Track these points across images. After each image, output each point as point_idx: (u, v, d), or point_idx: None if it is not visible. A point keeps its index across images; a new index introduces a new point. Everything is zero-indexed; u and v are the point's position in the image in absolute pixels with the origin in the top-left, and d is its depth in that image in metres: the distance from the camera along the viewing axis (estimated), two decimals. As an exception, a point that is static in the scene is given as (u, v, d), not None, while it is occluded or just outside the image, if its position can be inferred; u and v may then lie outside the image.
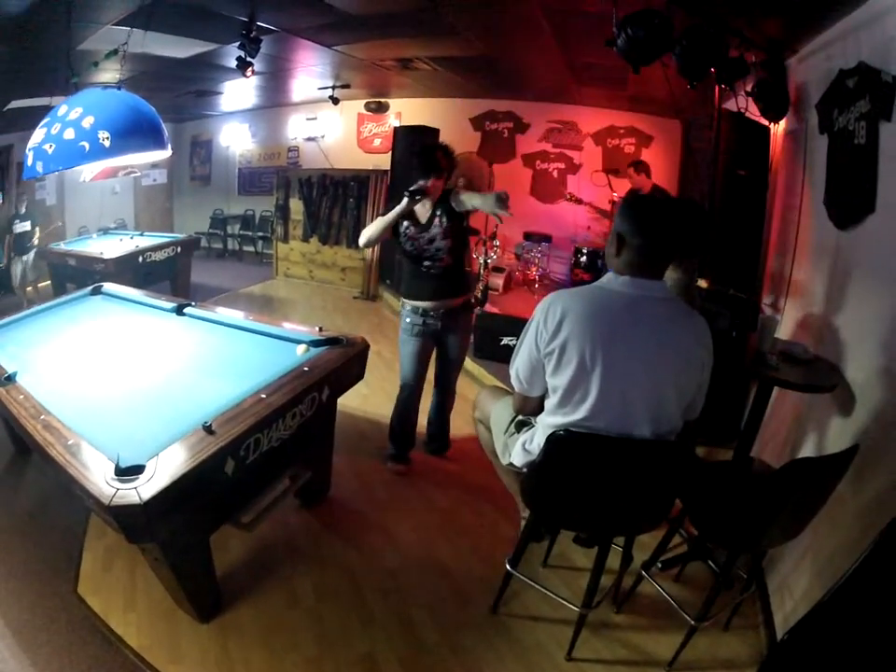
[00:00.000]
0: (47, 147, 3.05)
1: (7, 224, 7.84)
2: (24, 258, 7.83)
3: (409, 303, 3.60)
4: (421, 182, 3.39)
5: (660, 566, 2.67)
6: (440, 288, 3.55)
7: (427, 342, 3.64)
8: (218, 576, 2.69)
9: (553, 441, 2.01)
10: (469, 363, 5.70)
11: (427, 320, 3.56)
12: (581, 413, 2.00)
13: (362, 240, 3.49)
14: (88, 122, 3.03)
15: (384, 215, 3.47)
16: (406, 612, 2.70)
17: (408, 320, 3.59)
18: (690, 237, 2.55)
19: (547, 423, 2.14)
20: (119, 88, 3.37)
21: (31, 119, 3.23)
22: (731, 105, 4.37)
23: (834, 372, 2.70)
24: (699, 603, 2.37)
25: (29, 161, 3.13)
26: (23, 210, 7.88)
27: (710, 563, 2.80)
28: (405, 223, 3.50)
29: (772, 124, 4.19)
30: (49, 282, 7.84)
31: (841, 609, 1.60)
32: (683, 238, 2.33)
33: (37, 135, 3.14)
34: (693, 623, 2.34)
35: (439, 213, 3.45)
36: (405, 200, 3.35)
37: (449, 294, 3.58)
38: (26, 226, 7.80)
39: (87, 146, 3.01)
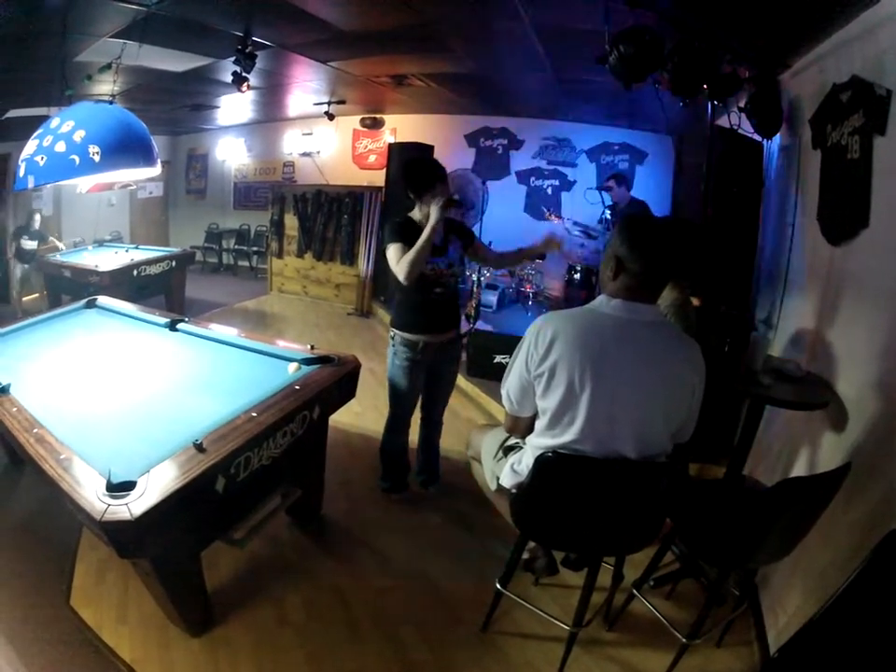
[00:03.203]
0: (38, 159, 3.06)
1: (15, 235, 7.85)
2: (23, 266, 7.85)
3: (407, 337, 3.24)
4: (443, 194, 2.99)
5: (652, 583, 2.65)
6: (446, 319, 3.32)
7: (421, 374, 3.38)
8: (210, 591, 2.68)
9: (543, 462, 2.00)
10: (461, 381, 5.67)
11: (424, 354, 3.27)
12: (569, 435, 1.99)
13: (405, 271, 2.90)
14: (79, 136, 3.05)
15: (392, 231, 3.07)
16: (395, 631, 2.68)
17: (404, 356, 3.27)
18: (685, 257, 2.55)
19: (536, 444, 2.13)
20: (111, 102, 3.38)
21: (29, 128, 3.24)
22: (723, 121, 4.40)
23: (827, 389, 2.70)
24: (691, 620, 2.35)
25: (21, 173, 3.14)
26: (34, 227, 7.85)
27: (703, 580, 2.79)
28: None
29: (765, 140, 4.22)
30: (35, 294, 7.88)
31: (834, 626, 1.60)
32: (682, 261, 2.32)
33: (30, 147, 3.15)
34: (684, 640, 2.32)
35: (452, 235, 3.24)
36: (436, 210, 2.88)
37: (453, 324, 3.37)
38: (33, 245, 7.78)
39: (77, 159, 3.02)
